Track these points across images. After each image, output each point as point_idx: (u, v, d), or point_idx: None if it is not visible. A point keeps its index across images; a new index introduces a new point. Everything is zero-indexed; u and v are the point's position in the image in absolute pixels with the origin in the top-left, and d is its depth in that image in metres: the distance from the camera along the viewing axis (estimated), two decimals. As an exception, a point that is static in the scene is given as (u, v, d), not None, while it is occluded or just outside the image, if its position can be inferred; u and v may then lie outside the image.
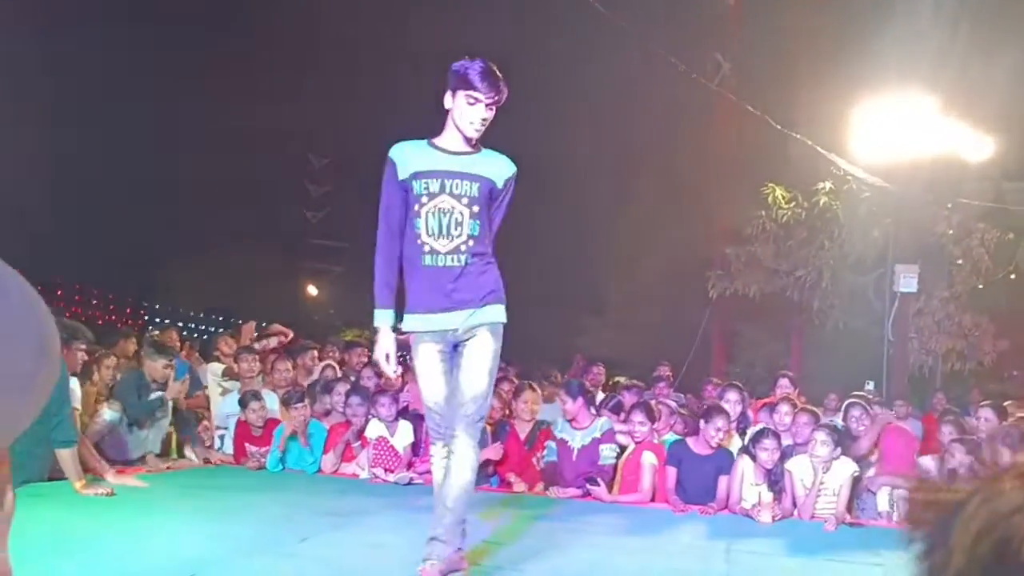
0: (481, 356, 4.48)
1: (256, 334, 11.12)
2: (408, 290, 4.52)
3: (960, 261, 14.93)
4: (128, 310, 33.96)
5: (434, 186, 4.39)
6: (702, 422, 7.35)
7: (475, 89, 4.33)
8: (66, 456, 6.18)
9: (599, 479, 7.40)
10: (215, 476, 7.67)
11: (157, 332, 10.20)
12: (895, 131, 13.61)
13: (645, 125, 20.38)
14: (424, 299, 4.45)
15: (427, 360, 4.50)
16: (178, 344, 10.55)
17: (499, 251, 4.60)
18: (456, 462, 4.42)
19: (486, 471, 7.94)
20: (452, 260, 4.40)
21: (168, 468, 7.81)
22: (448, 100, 4.41)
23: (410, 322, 4.52)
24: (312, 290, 40.98)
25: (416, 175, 4.40)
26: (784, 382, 9.99)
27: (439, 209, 4.38)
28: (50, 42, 26.85)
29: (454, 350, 4.52)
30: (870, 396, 10.75)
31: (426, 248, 4.39)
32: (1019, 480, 0.46)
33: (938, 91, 13.64)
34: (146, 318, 32.98)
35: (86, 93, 30.59)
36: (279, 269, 36.13)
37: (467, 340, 4.49)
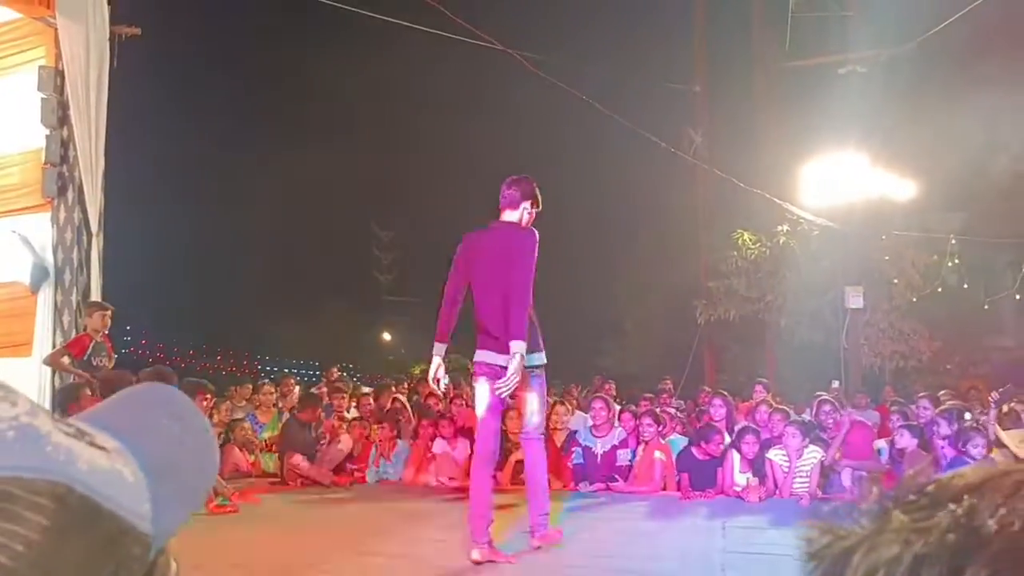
0: None
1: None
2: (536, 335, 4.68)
3: (896, 281, 14.77)
4: (244, 362, 34.24)
5: None
6: (703, 443, 7.27)
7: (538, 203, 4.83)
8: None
9: (617, 476, 7.37)
10: (321, 491, 7.65)
11: (268, 381, 10.26)
12: (835, 181, 13.61)
13: (643, 190, 20.53)
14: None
15: None
16: (294, 387, 10.65)
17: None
18: None
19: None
20: None
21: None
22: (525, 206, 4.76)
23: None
24: (387, 336, 41.31)
25: None
26: (759, 388, 9.93)
27: None
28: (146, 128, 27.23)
29: None
30: (837, 392, 10.66)
31: None
32: (898, 532, 0.48)
33: (868, 146, 13.64)
34: (258, 368, 33.22)
35: (190, 173, 30.84)
36: (361, 321, 36.36)
37: None
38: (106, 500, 0.59)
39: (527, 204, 4.74)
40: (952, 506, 0.47)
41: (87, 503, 0.57)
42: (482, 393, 4.64)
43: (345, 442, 8.27)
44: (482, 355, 4.66)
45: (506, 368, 4.42)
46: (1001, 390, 7.61)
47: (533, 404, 4.74)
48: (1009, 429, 6.50)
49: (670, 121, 17.29)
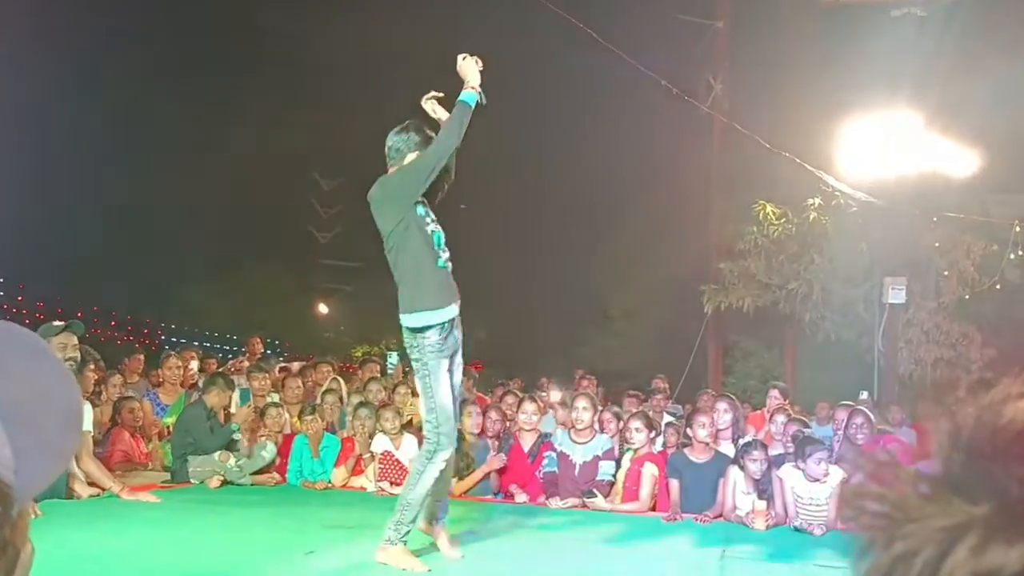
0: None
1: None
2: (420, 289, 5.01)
3: (947, 273, 14.90)
4: (145, 331, 33.87)
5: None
6: (688, 429, 7.36)
7: None
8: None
9: (596, 492, 7.39)
10: (227, 491, 7.62)
11: (174, 353, 10.13)
12: (881, 148, 13.65)
13: (643, 145, 20.48)
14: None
15: (444, 367, 4.97)
16: (198, 363, 10.54)
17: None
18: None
19: (491, 483, 7.93)
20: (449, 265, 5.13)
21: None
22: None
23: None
24: (323, 308, 40.93)
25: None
26: (775, 392, 9.97)
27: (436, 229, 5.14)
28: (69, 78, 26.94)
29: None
30: (866, 404, 10.74)
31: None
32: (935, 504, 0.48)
33: (922, 108, 13.67)
34: (162, 338, 32.90)
35: (103, 124, 30.59)
36: (290, 289, 36.09)
37: (456, 350, 5.13)
38: None
39: None
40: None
41: None
42: None
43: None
44: None
45: None
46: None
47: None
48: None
49: (684, 63, 17.28)
